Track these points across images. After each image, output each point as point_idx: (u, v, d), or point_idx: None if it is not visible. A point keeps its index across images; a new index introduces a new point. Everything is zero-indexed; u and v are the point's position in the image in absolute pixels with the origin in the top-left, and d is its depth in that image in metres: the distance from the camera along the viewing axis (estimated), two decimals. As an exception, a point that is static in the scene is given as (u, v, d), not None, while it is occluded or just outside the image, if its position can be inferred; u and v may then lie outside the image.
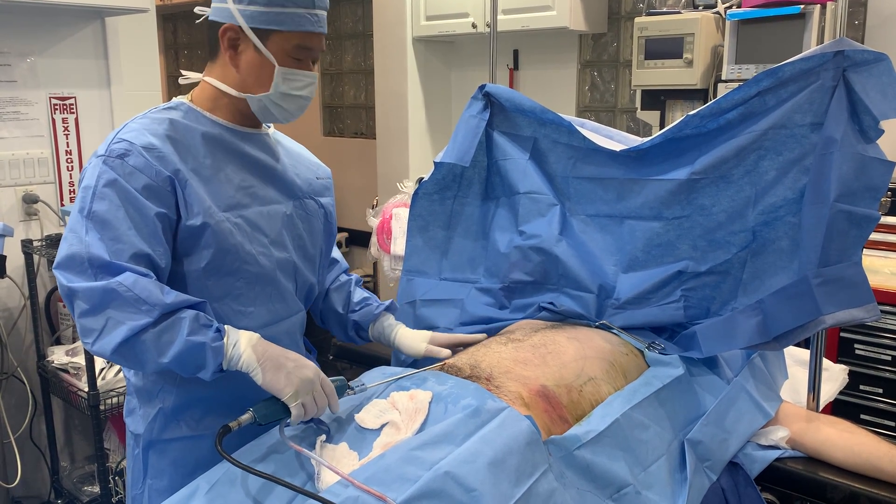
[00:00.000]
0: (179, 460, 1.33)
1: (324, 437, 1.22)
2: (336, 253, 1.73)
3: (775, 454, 1.51)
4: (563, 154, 1.87)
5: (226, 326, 1.23)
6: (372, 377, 1.44)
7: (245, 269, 1.32)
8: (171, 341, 1.16)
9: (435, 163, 1.97)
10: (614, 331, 1.66)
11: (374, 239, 2.50)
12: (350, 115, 4.63)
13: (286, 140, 1.56)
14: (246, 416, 1.18)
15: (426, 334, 1.65)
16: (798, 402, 1.72)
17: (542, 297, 1.81)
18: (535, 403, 1.33)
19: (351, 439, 1.24)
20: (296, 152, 1.55)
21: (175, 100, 1.38)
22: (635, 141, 1.80)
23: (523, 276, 1.85)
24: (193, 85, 1.42)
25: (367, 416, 1.27)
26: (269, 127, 1.48)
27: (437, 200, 2.01)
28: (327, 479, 1.13)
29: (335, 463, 1.18)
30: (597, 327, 1.68)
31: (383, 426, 1.25)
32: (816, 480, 1.45)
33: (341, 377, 1.32)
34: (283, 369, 1.20)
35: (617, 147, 1.77)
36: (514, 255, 1.86)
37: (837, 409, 2.41)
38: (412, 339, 1.64)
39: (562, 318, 1.73)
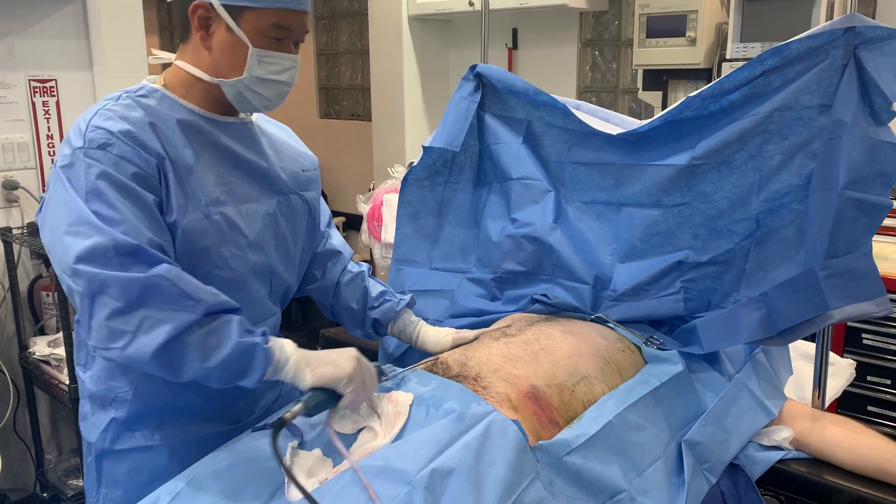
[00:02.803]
0: (135, 470, 1.26)
1: (295, 442, 1.15)
2: (338, 240, 1.62)
3: (778, 455, 1.43)
4: (557, 138, 1.78)
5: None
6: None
7: (215, 273, 1.22)
8: (218, 344, 1.07)
9: (424, 147, 1.89)
10: (610, 324, 1.58)
11: (364, 226, 2.42)
12: (346, 97, 4.53)
13: (269, 127, 1.44)
14: (298, 407, 1.11)
15: (449, 331, 1.56)
16: (803, 399, 1.64)
17: (536, 288, 1.73)
18: (524, 405, 1.26)
19: (325, 445, 1.17)
20: (280, 141, 1.43)
21: (146, 84, 1.26)
22: (633, 124, 1.71)
23: (516, 267, 1.77)
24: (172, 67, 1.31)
25: (343, 420, 1.19)
26: (249, 114, 1.36)
27: (428, 187, 1.93)
28: (295, 493, 1.06)
29: (309, 469, 1.10)
30: (592, 321, 1.60)
31: (360, 431, 1.18)
32: (821, 484, 1.37)
33: (375, 362, 1.27)
34: (330, 361, 1.15)
35: (614, 130, 1.69)
36: (506, 244, 1.78)
37: (844, 401, 2.33)
38: (436, 336, 1.56)
39: (555, 311, 1.66)
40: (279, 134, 1.44)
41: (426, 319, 1.81)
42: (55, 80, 2.63)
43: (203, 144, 1.23)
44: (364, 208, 2.42)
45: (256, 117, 1.37)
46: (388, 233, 2.33)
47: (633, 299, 1.64)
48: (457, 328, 1.69)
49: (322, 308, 1.60)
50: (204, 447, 1.21)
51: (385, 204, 2.33)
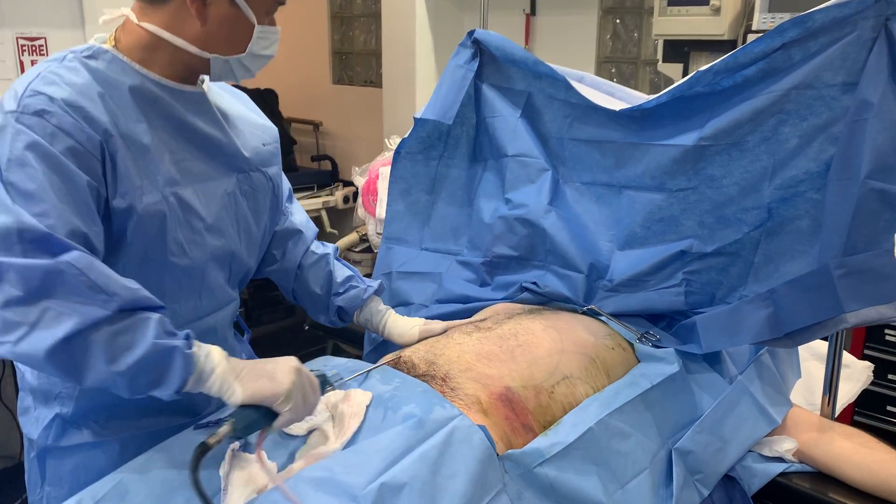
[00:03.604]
0: (82, 467, 1.16)
1: (237, 444, 1.05)
2: (300, 217, 1.50)
3: (779, 468, 1.31)
4: (559, 112, 1.65)
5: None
6: (322, 366, 1.26)
7: (171, 262, 1.11)
8: (130, 345, 0.94)
9: (415, 119, 1.76)
10: (603, 318, 1.46)
11: (359, 200, 2.30)
12: (360, 62, 4.39)
13: (225, 95, 1.31)
14: (224, 429, 0.96)
15: (417, 322, 1.45)
16: (812, 404, 1.51)
17: (527, 275, 1.62)
18: (495, 409, 1.15)
19: (271, 447, 1.07)
20: (237, 113, 1.30)
21: (92, 44, 1.13)
22: (639, 99, 1.58)
23: (507, 251, 1.65)
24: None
25: (293, 421, 1.09)
26: (203, 82, 1.23)
27: (421, 161, 1.81)
28: (233, 502, 0.97)
29: (248, 476, 1.01)
30: (583, 313, 1.48)
31: (311, 432, 1.08)
32: (825, 502, 1.25)
33: (319, 370, 1.14)
34: (265, 374, 1.01)
35: (618, 106, 1.55)
36: (498, 226, 1.66)
37: (862, 400, 2.18)
38: (404, 326, 1.45)
39: (545, 301, 1.54)
40: (235, 104, 1.31)
41: (410, 304, 1.71)
42: (45, 38, 2.52)
43: (157, 116, 1.11)
44: (360, 181, 2.31)
45: (207, 87, 1.24)
46: (384, 208, 2.21)
47: (631, 290, 1.52)
48: (440, 315, 1.59)
49: (283, 291, 1.50)
50: (157, 442, 1.11)
51: (381, 177, 2.21)
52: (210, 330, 1.20)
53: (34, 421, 1.18)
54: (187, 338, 1.00)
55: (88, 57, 1.09)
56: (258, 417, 1.00)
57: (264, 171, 1.29)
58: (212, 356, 1.01)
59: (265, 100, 4.14)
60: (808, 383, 1.56)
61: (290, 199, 1.49)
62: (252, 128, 1.31)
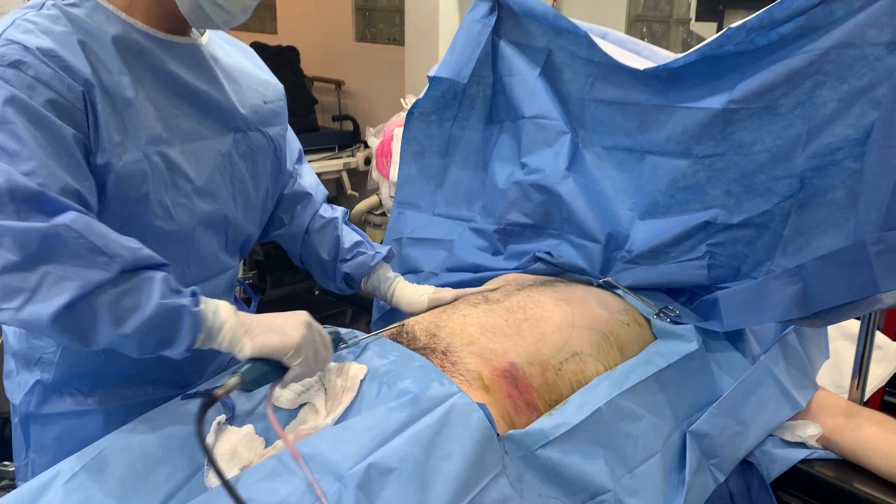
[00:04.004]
0: (65, 436, 1.12)
1: (223, 417, 1.00)
2: (309, 179, 1.42)
3: (801, 454, 1.24)
4: (580, 71, 1.55)
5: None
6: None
7: (155, 225, 1.05)
8: (136, 306, 0.90)
9: (429, 77, 1.68)
10: (619, 291, 1.38)
11: (373, 162, 2.23)
12: (383, 19, 4.28)
13: (228, 49, 1.23)
14: (233, 381, 0.92)
15: (427, 290, 1.39)
16: (840, 386, 1.43)
17: (541, 244, 1.54)
18: (497, 386, 1.09)
19: (259, 421, 1.02)
20: (238, 68, 1.21)
21: None
22: (666, 58, 1.47)
23: (521, 218, 1.57)
24: None
25: (284, 392, 1.04)
26: (202, 34, 1.16)
27: (435, 122, 1.73)
28: (214, 480, 0.92)
29: (233, 450, 0.96)
30: (599, 286, 1.41)
31: (301, 406, 1.03)
32: (848, 492, 1.18)
33: (334, 327, 1.10)
34: (274, 328, 0.97)
35: (643, 65, 1.45)
36: (512, 192, 1.58)
37: (894, 385, 2.08)
38: (413, 295, 1.39)
39: (559, 272, 1.46)
40: (238, 58, 1.23)
41: (420, 272, 1.65)
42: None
43: (144, 69, 1.04)
44: (374, 142, 2.23)
45: (208, 38, 1.16)
46: (398, 170, 2.14)
47: (650, 262, 1.44)
48: (450, 284, 1.52)
49: (291, 256, 1.44)
50: (143, 413, 1.07)
51: (395, 138, 2.13)
52: None
53: (16, 386, 1.14)
54: (193, 294, 0.96)
55: (69, 4, 1.02)
56: (268, 371, 0.97)
57: (264, 132, 1.22)
58: (220, 312, 0.97)
59: (287, 57, 4.07)
60: (836, 364, 1.47)
61: (300, 160, 1.42)
62: (254, 84, 1.23)
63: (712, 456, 1.19)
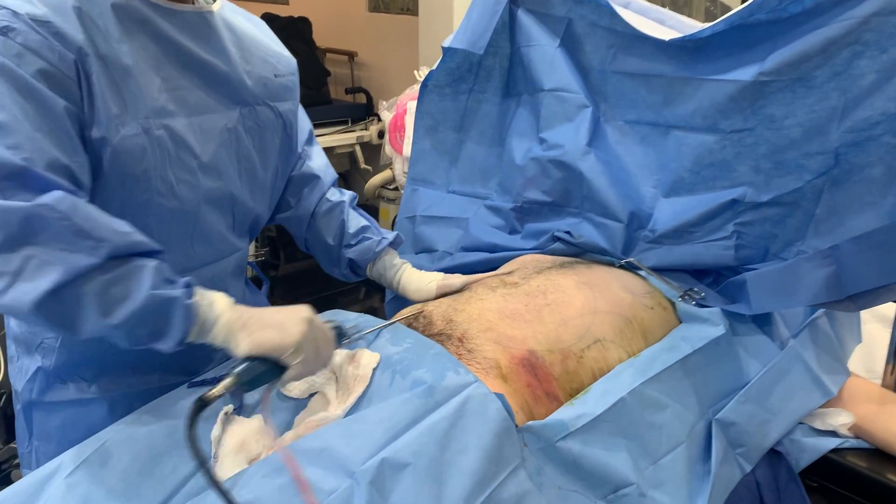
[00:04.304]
0: (69, 425, 1.09)
1: (231, 407, 0.96)
2: (318, 161, 1.37)
3: (832, 443, 1.19)
4: (602, 41, 1.49)
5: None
6: (335, 318, 1.16)
7: (157, 202, 1.00)
8: (124, 295, 0.85)
9: (443, 48, 1.62)
10: (642, 272, 1.33)
11: (386, 136, 2.17)
12: (397, -11, 4.19)
13: (237, 19, 1.16)
14: (227, 382, 0.87)
15: (435, 277, 1.33)
16: (872, 371, 1.37)
17: (561, 222, 1.49)
18: (516, 375, 1.04)
19: (269, 410, 0.98)
20: (249, 38, 1.16)
21: None
22: (692, 28, 1.40)
23: (540, 196, 1.51)
24: None
25: (293, 381, 1.00)
26: (213, 2, 1.10)
27: (450, 95, 1.67)
28: (223, 470, 0.88)
29: (241, 442, 0.93)
30: (621, 266, 1.35)
31: (312, 395, 0.99)
32: (882, 483, 1.13)
33: (335, 320, 1.05)
34: (273, 323, 0.91)
35: (668, 35, 1.38)
36: (530, 168, 1.53)
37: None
38: (420, 282, 1.33)
39: (579, 252, 1.41)
40: (249, 29, 1.17)
41: (434, 251, 1.60)
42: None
43: (146, 37, 0.99)
44: (387, 116, 2.17)
45: (220, 6, 1.11)
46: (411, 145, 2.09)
47: (675, 242, 1.38)
48: (465, 265, 1.47)
49: (296, 241, 1.39)
50: (149, 402, 1.04)
51: (409, 112, 2.07)
52: (206, 281, 1.09)
53: (18, 371, 1.11)
54: (188, 286, 0.91)
55: None
56: (265, 370, 0.91)
57: (273, 106, 1.16)
58: (215, 305, 0.92)
59: (298, 29, 3.99)
60: (868, 348, 1.41)
61: (310, 141, 1.37)
62: (265, 55, 1.17)
63: (739, 445, 1.15)
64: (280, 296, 3.33)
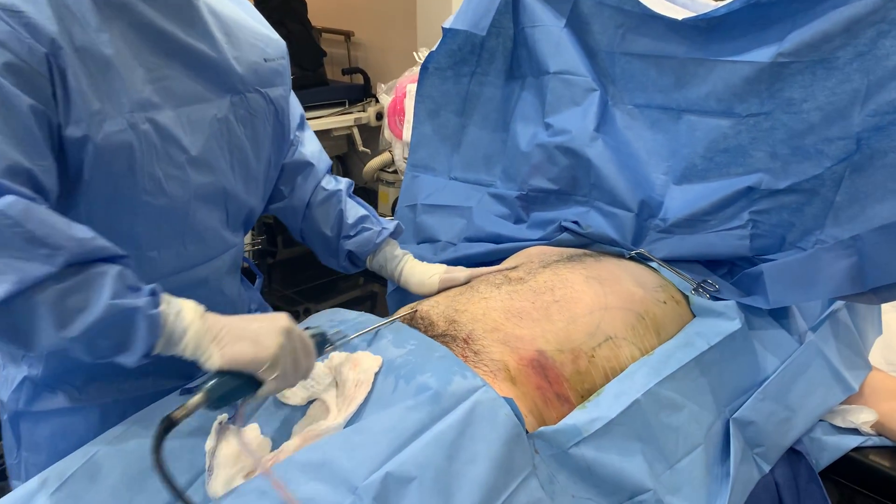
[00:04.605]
0: (59, 434, 1.04)
1: (225, 416, 0.91)
2: (311, 147, 1.30)
3: (854, 442, 1.15)
4: (610, 21, 1.42)
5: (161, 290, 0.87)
6: (328, 321, 1.11)
7: (145, 200, 0.94)
8: (83, 306, 0.79)
9: (444, 29, 1.55)
10: (654, 264, 1.28)
11: (385, 121, 2.11)
12: (394, -37, 4.09)
13: (220, 1, 1.08)
14: (196, 400, 0.81)
15: (438, 270, 1.27)
16: (892, 363, 1.33)
17: (568, 211, 1.43)
18: (525, 377, 0.99)
19: (265, 418, 0.93)
20: (235, 21, 1.08)
21: None
22: (706, 7, 1.34)
23: (546, 184, 1.46)
24: None
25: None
26: None
27: (451, 78, 1.61)
28: (216, 487, 0.84)
29: (238, 453, 0.88)
30: (631, 258, 1.30)
31: (311, 402, 0.94)
32: (907, 484, 1.09)
33: (318, 326, 0.99)
34: (247, 335, 0.85)
35: (680, 14, 1.32)
36: (536, 155, 1.47)
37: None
38: (422, 275, 1.27)
39: (588, 243, 1.36)
40: (234, 11, 1.10)
41: (437, 241, 1.55)
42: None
43: (126, 25, 0.92)
44: (386, 99, 2.10)
45: None
46: (411, 130, 2.02)
47: (687, 232, 1.33)
48: (469, 256, 1.42)
49: (291, 232, 1.33)
50: (143, 408, 0.99)
51: (409, 95, 2.01)
52: (201, 282, 1.04)
53: (4, 381, 1.05)
54: (153, 293, 0.84)
55: None
56: (238, 385, 0.84)
57: (264, 93, 1.10)
58: (183, 315, 0.85)
59: (293, 8, 3.90)
60: (887, 340, 1.36)
61: (301, 126, 1.30)
62: (253, 39, 1.10)
63: (757, 444, 1.10)
64: (279, 282, 3.28)
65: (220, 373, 0.83)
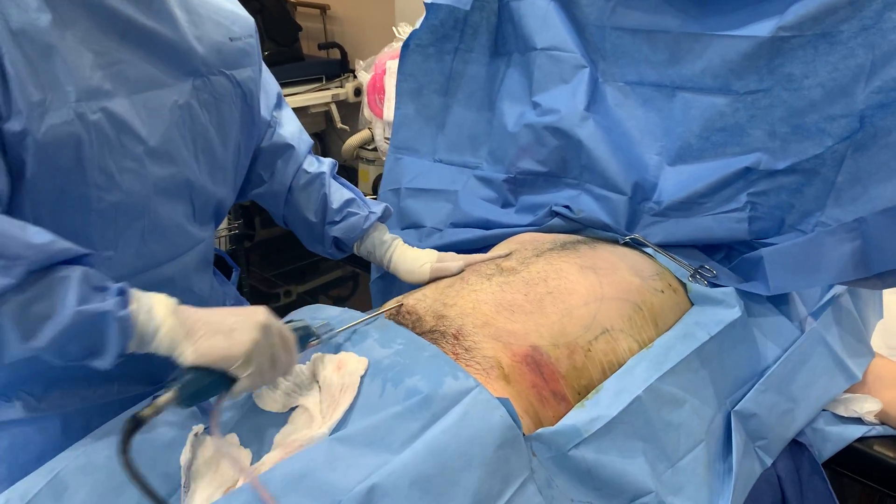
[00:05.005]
0: (18, 446, 0.97)
1: (201, 427, 0.85)
2: (291, 128, 1.23)
3: (857, 432, 1.11)
4: (599, -7, 1.35)
5: (129, 287, 0.81)
6: (310, 318, 1.05)
7: (97, 197, 0.86)
8: (47, 314, 0.74)
9: (426, 4, 1.48)
10: (649, 250, 1.23)
11: (364, 99, 2.03)
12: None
13: None
14: (167, 397, 0.77)
15: (429, 257, 1.20)
16: (892, 347, 1.29)
17: (558, 194, 1.37)
18: (519, 375, 0.94)
19: (244, 427, 0.87)
20: None
21: None
22: (701, -23, 1.27)
23: (534, 166, 1.40)
24: None
25: (271, 393, 0.89)
26: None
27: (434, 56, 1.54)
28: (196, 501, 0.78)
29: (216, 468, 0.82)
30: (625, 244, 1.25)
31: (292, 409, 0.88)
32: (913, 475, 1.05)
33: (302, 320, 0.93)
34: (222, 329, 0.80)
35: (674, -14, 1.26)
36: (524, 135, 1.40)
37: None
38: (413, 262, 1.20)
39: (580, 228, 1.30)
40: None
41: (422, 227, 1.49)
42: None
43: (73, 5, 0.83)
44: (364, 77, 2.02)
45: None
46: (392, 109, 1.95)
47: (683, 215, 1.28)
48: (456, 243, 1.36)
49: (274, 217, 1.26)
50: (109, 416, 0.92)
51: (389, 73, 1.93)
52: (166, 281, 0.97)
53: None
54: (121, 293, 0.78)
55: None
56: (211, 382, 0.80)
57: (230, 75, 1.02)
58: (155, 312, 0.79)
59: (266, -19, 3.78)
60: (886, 322, 1.32)
61: (279, 105, 1.23)
62: (217, 16, 1.02)
63: (759, 437, 1.06)
64: (258, 265, 3.20)
65: (193, 369, 0.79)
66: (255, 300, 2.81)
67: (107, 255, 0.89)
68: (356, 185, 3.79)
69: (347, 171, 4.09)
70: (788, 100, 1.17)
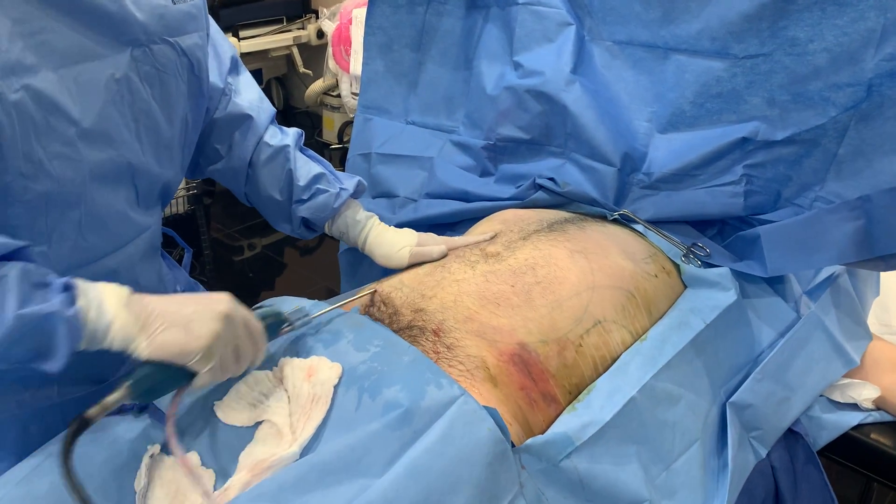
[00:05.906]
0: None
1: (157, 448, 0.77)
2: (249, 96, 1.10)
3: (854, 419, 1.07)
4: (586, -57, 1.24)
5: (75, 280, 0.73)
6: (290, 304, 0.96)
7: (23, 186, 0.76)
8: None
9: (396, -48, 1.35)
10: (639, 227, 1.15)
11: (329, 51, 1.89)
12: None
13: None
14: (117, 395, 0.71)
15: (409, 239, 1.10)
16: (887, 325, 1.25)
17: (541, 163, 1.28)
18: (507, 376, 0.87)
19: (205, 444, 0.79)
20: None
21: None
22: (699, -73, 1.17)
23: (516, 133, 1.30)
24: None
25: (235, 405, 0.80)
26: None
27: (405, 7, 1.42)
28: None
29: (175, 492, 0.74)
30: (614, 220, 1.17)
31: (259, 424, 0.80)
32: (911, 465, 1.02)
33: (272, 307, 0.86)
34: (180, 321, 0.74)
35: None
36: (504, 99, 1.30)
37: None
38: (391, 246, 1.10)
39: (565, 202, 1.22)
40: None
41: (395, 196, 1.39)
42: None
43: None
44: (329, 26, 1.88)
45: None
46: (360, 63, 1.81)
47: (674, 188, 1.20)
48: (434, 218, 1.27)
49: (236, 195, 1.16)
50: (50, 421, 0.84)
51: (355, 22, 1.79)
52: (109, 274, 0.86)
53: None
54: (66, 288, 0.70)
55: None
56: (168, 377, 0.73)
57: (173, 43, 0.89)
58: (105, 306, 0.71)
59: (221, -87, 3.54)
60: (882, 299, 1.27)
61: (234, 70, 1.10)
62: None
63: (754, 428, 1.01)
64: (219, 219, 3.07)
65: (148, 364, 0.72)
66: (218, 255, 2.70)
67: (39, 251, 0.79)
68: (320, 132, 3.62)
69: (311, 118, 3.94)
70: (790, 65, 1.09)
